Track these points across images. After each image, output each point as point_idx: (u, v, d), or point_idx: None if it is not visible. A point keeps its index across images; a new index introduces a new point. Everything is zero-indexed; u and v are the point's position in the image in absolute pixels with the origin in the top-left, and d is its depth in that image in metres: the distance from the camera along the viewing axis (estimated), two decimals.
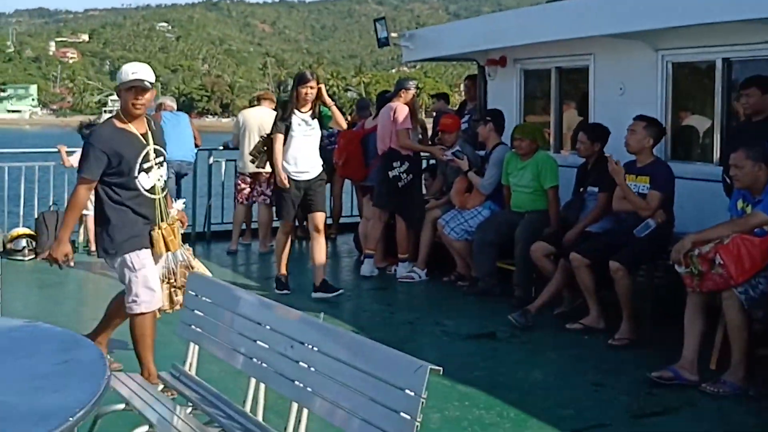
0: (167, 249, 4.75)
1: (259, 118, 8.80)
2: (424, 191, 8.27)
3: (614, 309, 5.89)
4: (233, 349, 3.66)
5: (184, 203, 5.33)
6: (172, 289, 5.11)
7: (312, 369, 3.11)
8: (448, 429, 4.38)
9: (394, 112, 7.69)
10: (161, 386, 4.00)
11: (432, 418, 4.47)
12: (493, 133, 7.53)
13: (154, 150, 4.67)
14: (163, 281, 5.02)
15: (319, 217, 6.98)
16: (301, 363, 3.18)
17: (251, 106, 10.22)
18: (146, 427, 3.50)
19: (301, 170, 6.88)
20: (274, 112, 9.11)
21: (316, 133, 6.93)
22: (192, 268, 5.16)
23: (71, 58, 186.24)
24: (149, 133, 4.67)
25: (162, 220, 4.72)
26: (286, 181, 6.82)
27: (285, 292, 7.08)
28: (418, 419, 2.57)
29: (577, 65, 7.93)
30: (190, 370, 3.97)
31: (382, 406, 2.71)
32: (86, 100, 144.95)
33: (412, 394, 2.60)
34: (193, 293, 4.10)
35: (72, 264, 4.91)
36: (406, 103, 7.85)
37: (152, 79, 4.64)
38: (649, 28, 6.48)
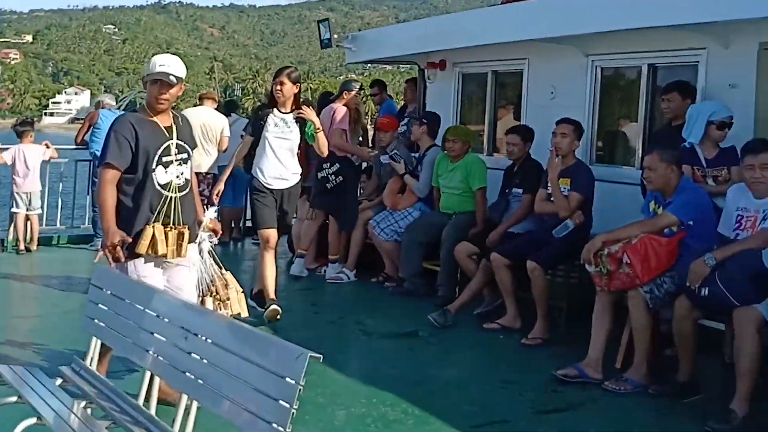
0: (155, 252, 4.20)
1: (201, 118, 8.74)
2: (360, 193, 8.27)
3: (533, 309, 5.92)
4: (133, 343, 3.64)
5: (216, 211, 4.96)
6: (217, 303, 4.74)
7: (204, 360, 3.13)
8: (353, 426, 4.36)
9: (334, 113, 7.70)
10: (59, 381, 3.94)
11: (337, 416, 4.47)
12: (426, 135, 7.55)
13: (177, 145, 4.33)
14: (206, 294, 4.68)
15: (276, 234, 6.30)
16: (193, 354, 3.19)
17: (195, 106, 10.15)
18: (34, 420, 3.45)
19: (274, 176, 6.18)
20: (217, 112, 9.16)
21: (295, 138, 6.19)
22: (226, 283, 4.81)
23: (13, 59, 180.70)
24: (174, 126, 4.36)
25: (174, 223, 4.27)
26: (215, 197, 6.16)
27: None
28: (295, 406, 2.60)
29: (513, 69, 7.99)
30: (91, 364, 3.93)
31: (264, 395, 2.74)
32: (26, 102, 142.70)
33: (292, 381, 2.64)
34: (98, 287, 4.07)
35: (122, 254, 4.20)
36: (346, 105, 7.88)
37: (181, 73, 4.32)
38: (580, 33, 6.56)
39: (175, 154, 4.32)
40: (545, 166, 6.31)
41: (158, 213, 4.26)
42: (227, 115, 9.46)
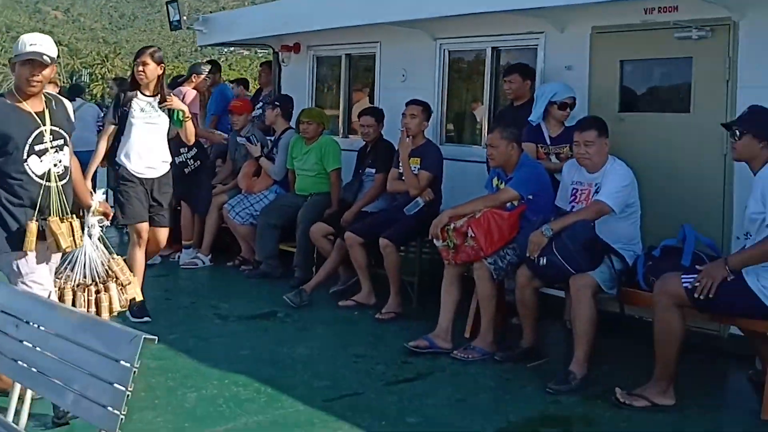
0: (58, 246, 3.97)
1: None
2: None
3: (387, 285, 6.03)
4: None
5: (104, 193, 4.58)
6: (119, 287, 4.29)
7: (37, 348, 3.06)
8: (204, 407, 4.30)
9: (183, 97, 7.51)
10: None
11: (188, 398, 4.40)
12: (280, 118, 7.52)
13: (51, 131, 3.98)
14: (107, 281, 4.27)
15: (163, 234, 5.91)
16: (25, 342, 3.12)
17: None
18: None
19: (144, 165, 5.66)
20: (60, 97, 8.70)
21: (163, 122, 5.70)
22: (122, 267, 4.37)
23: None
24: (46, 111, 3.99)
25: (61, 213, 3.99)
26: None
27: (145, 319, 5.66)
28: (130, 388, 2.59)
29: (365, 53, 8.08)
30: None
31: (98, 379, 2.73)
32: None
33: (127, 364, 2.64)
34: None
35: None
36: (196, 88, 7.73)
37: (53, 53, 3.99)
38: (428, 18, 6.71)
39: (50, 141, 3.99)
40: (397, 147, 6.43)
41: (40, 206, 3.96)
42: (71, 100, 9.02)
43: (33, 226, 3.91)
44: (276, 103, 7.68)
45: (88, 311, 4.10)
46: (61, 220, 4.00)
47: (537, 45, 6.41)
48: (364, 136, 6.93)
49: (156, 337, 2.68)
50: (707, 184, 5.33)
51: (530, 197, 5.22)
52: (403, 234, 6.03)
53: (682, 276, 4.21)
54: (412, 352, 5.10)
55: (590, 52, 6.01)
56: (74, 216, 4.11)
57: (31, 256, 3.97)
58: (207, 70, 8.21)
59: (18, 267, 3.97)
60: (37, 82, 3.95)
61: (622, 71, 5.89)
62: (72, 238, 4.03)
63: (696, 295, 4.10)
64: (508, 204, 5.26)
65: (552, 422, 4.16)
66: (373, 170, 6.70)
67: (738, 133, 4.14)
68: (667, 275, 4.28)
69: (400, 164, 6.26)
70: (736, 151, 4.19)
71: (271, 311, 6.14)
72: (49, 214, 3.99)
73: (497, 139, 5.31)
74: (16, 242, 3.95)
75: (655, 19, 5.57)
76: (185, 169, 7.40)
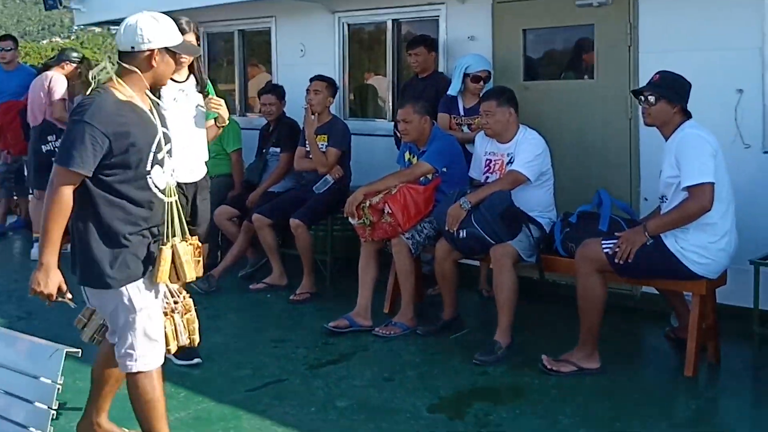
0: (178, 278, 3.17)
1: None
2: None
3: (298, 265, 5.86)
4: None
5: None
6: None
7: None
8: (118, 408, 4.00)
9: (50, 82, 7.08)
10: None
11: None
12: None
13: (164, 134, 3.20)
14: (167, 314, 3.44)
15: (204, 250, 4.40)
16: None
17: None
18: None
19: (182, 168, 4.22)
20: None
21: (200, 112, 4.44)
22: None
23: None
24: (153, 108, 3.21)
25: (175, 235, 3.16)
26: None
27: (195, 361, 4.58)
28: (54, 407, 2.35)
29: (260, 28, 7.80)
30: None
31: (18, 398, 2.54)
32: None
33: (48, 381, 2.42)
34: None
35: (70, 298, 3.12)
36: (67, 75, 7.27)
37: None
38: None
39: (165, 147, 3.24)
40: (301, 125, 6.24)
41: (165, 230, 3.20)
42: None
43: (167, 253, 3.12)
44: None
45: None
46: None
47: (438, 16, 6.35)
48: (266, 115, 6.68)
49: (80, 350, 2.41)
50: (614, 149, 5.43)
51: (444, 170, 5.17)
52: (314, 213, 5.86)
53: (602, 241, 4.25)
54: (332, 332, 4.96)
55: (493, 22, 6.00)
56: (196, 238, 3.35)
57: (149, 287, 3.18)
58: (79, 59, 7.69)
59: (131, 301, 3.13)
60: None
61: (525, 40, 5.91)
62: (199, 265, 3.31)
63: (616, 260, 4.15)
64: (423, 178, 5.19)
65: (483, 394, 4.12)
66: (278, 149, 6.48)
67: (653, 98, 4.18)
68: (588, 241, 4.31)
69: (307, 142, 6.08)
70: (650, 117, 4.22)
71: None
72: (171, 236, 3.17)
73: (410, 113, 5.23)
74: (137, 271, 3.13)
75: None
76: (53, 158, 6.91)
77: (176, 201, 3.22)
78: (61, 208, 2.98)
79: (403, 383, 4.27)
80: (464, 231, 4.70)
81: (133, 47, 3.09)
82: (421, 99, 5.49)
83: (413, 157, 5.34)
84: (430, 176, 5.20)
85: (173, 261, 3.13)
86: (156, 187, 3.14)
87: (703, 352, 4.30)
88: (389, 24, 6.70)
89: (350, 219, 5.16)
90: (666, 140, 4.22)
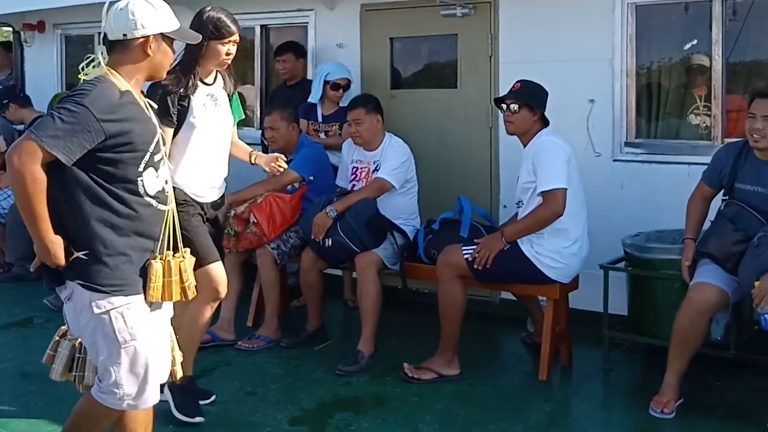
0: (171, 296, 2.79)
1: None
2: None
3: None
4: None
5: None
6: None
7: None
8: None
9: None
10: None
11: None
12: (24, 110, 6.80)
13: (161, 136, 2.89)
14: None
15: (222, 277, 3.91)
16: None
17: None
18: None
19: (209, 184, 3.90)
20: None
21: (228, 120, 3.98)
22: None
23: None
24: (148, 106, 2.90)
25: (174, 248, 2.84)
26: None
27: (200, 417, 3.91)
28: None
29: None
30: None
31: None
32: None
33: None
34: None
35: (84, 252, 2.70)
36: None
37: None
38: None
39: (163, 149, 2.98)
40: None
41: (162, 241, 2.86)
42: None
43: (158, 267, 2.76)
44: (5, 101, 6.88)
45: None
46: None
47: (307, 23, 6.30)
48: None
49: None
50: (476, 157, 5.53)
51: (312, 178, 5.12)
52: None
53: (463, 248, 4.31)
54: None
55: (361, 29, 6.01)
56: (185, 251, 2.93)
57: (144, 307, 2.78)
58: None
59: (122, 325, 2.72)
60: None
61: (393, 49, 5.95)
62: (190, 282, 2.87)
63: (475, 266, 4.21)
64: (290, 186, 5.12)
65: (345, 404, 4.09)
66: None
67: (516, 106, 4.26)
68: (449, 248, 4.36)
69: None
70: (512, 125, 4.30)
71: (28, 317, 5.56)
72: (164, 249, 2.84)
73: (277, 121, 5.16)
74: (134, 287, 2.76)
75: None
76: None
77: (172, 210, 2.87)
78: (38, 185, 2.60)
79: (266, 397, 4.19)
80: (330, 239, 4.66)
81: (125, 34, 2.78)
82: (288, 106, 5.42)
83: None
84: (297, 184, 5.14)
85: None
86: (146, 192, 2.78)
87: (558, 356, 4.43)
88: (257, 30, 6.60)
89: None
90: (524, 147, 4.33)
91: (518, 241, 4.20)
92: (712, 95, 4.79)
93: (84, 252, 2.69)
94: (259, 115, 6.55)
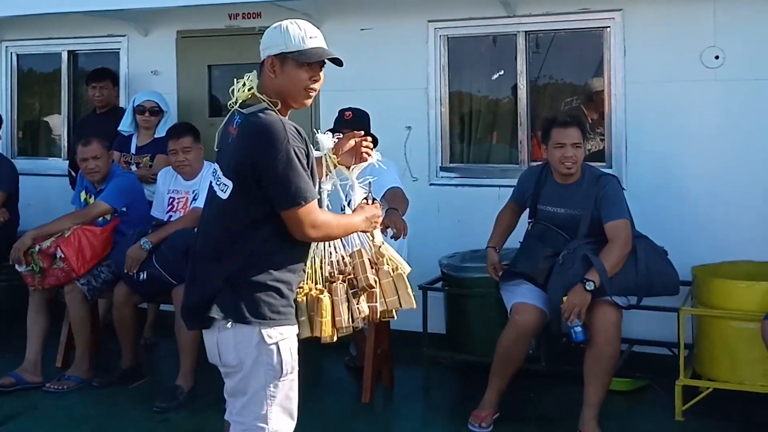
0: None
1: None
2: None
3: None
4: None
5: None
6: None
7: None
8: None
9: None
10: None
11: None
12: None
13: None
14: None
15: None
16: None
17: None
18: None
19: None
20: None
21: None
22: None
23: None
24: None
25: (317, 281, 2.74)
26: None
27: None
28: None
29: None
30: None
31: None
32: None
33: None
34: None
35: None
36: None
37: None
38: None
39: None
40: None
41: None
42: None
43: (320, 300, 2.67)
44: None
45: None
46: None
47: (119, 49, 6.08)
48: None
49: None
50: None
51: (124, 209, 4.88)
52: None
53: None
54: None
55: (177, 56, 5.88)
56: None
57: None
58: None
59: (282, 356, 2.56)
60: (316, 90, 2.67)
61: (211, 76, 5.85)
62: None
63: None
64: (101, 219, 4.85)
65: None
66: None
67: None
68: None
69: None
70: None
71: None
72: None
73: (100, 149, 4.88)
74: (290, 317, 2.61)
75: (239, 25, 5.65)
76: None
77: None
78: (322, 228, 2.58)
79: None
80: (144, 273, 4.48)
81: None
82: (98, 135, 5.16)
83: (89, 196, 4.99)
84: (108, 217, 4.88)
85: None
86: None
87: (380, 378, 4.45)
88: (65, 56, 6.28)
89: (17, 266, 4.66)
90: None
91: None
92: (518, 121, 5.06)
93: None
94: (65, 145, 6.21)
